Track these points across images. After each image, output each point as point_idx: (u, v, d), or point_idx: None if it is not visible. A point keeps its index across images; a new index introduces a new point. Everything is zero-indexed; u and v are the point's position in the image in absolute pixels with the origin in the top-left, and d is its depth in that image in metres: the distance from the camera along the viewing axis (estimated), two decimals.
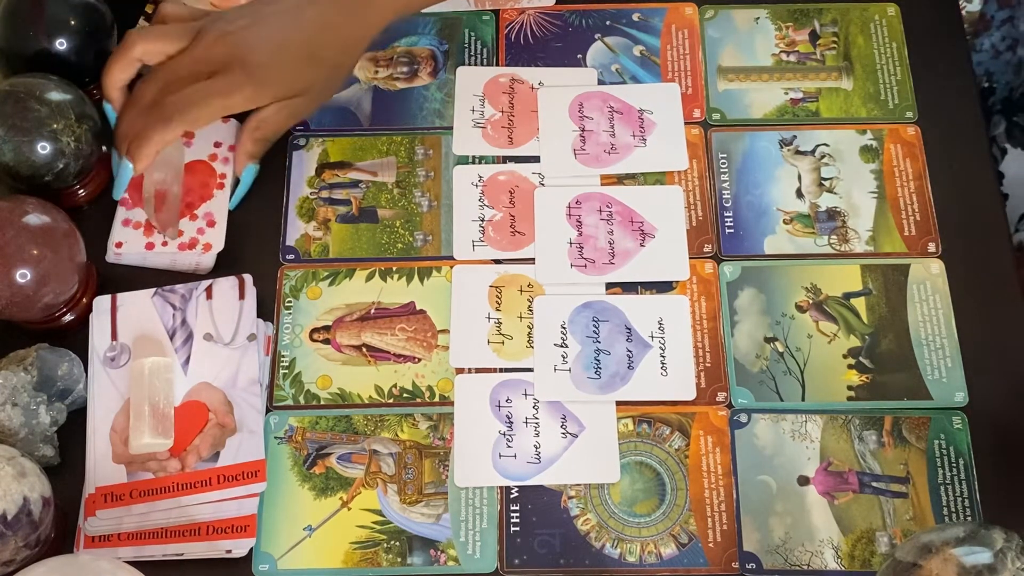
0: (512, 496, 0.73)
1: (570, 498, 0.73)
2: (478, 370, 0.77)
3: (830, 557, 0.71)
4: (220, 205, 0.82)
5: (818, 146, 0.84)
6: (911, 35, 0.88)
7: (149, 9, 0.89)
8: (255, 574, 0.71)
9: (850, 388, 0.76)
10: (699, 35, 0.89)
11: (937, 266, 0.79)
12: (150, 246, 0.81)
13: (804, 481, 0.73)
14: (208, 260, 0.81)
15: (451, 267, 0.80)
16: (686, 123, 0.85)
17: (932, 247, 0.80)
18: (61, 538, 0.72)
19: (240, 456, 0.73)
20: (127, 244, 0.81)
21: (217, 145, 0.84)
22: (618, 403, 0.75)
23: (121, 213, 0.82)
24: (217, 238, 0.81)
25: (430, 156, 0.85)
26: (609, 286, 0.79)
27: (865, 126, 0.85)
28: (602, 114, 0.85)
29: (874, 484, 0.73)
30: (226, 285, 0.79)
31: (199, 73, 0.76)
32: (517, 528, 0.72)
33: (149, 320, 0.78)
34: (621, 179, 0.83)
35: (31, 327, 0.78)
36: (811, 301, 0.78)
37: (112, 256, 0.81)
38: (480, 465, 0.74)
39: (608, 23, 0.89)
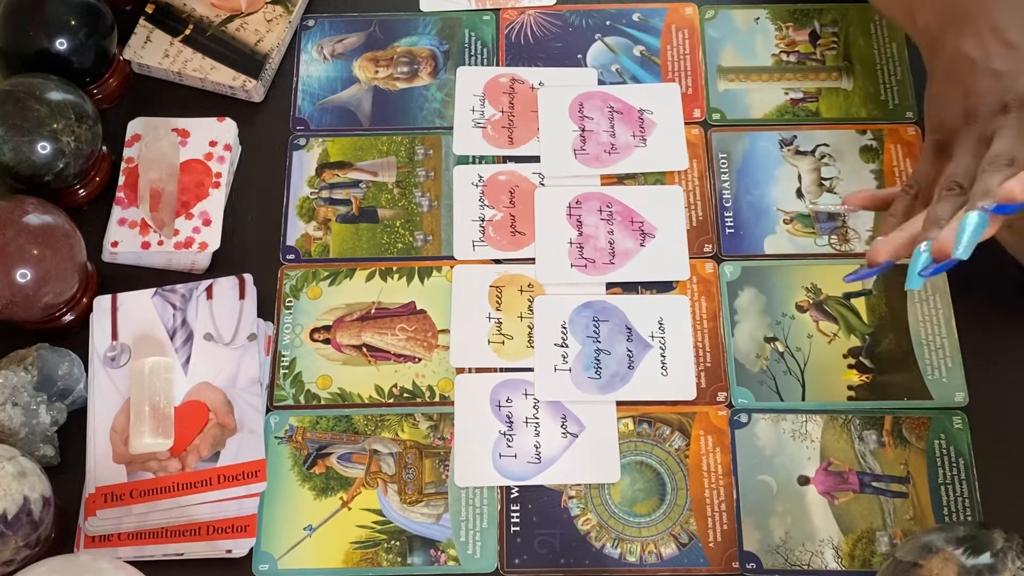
0: (512, 496, 0.73)
1: (570, 498, 0.73)
2: (478, 370, 0.77)
3: (830, 557, 0.71)
4: (216, 204, 0.82)
5: (818, 146, 0.84)
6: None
7: (149, 9, 0.88)
8: (255, 574, 0.71)
9: (850, 388, 0.76)
10: (699, 35, 0.89)
11: None
12: (146, 245, 0.80)
13: (804, 481, 0.73)
14: (204, 259, 0.81)
15: (451, 267, 0.80)
16: (686, 123, 0.85)
17: None
18: (61, 538, 0.72)
19: (240, 456, 0.73)
20: (123, 243, 0.81)
21: (212, 144, 0.83)
22: (618, 403, 0.75)
23: (116, 212, 0.82)
24: (213, 237, 0.81)
25: (430, 156, 0.85)
26: (609, 286, 0.79)
27: (865, 126, 0.85)
28: (602, 114, 0.85)
29: (874, 484, 0.73)
30: (226, 285, 0.79)
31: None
32: (517, 528, 0.72)
33: (149, 320, 0.78)
34: (621, 179, 0.83)
35: (31, 327, 0.78)
36: (811, 301, 0.78)
37: (108, 255, 0.81)
38: (480, 465, 0.74)
39: (608, 23, 0.89)
